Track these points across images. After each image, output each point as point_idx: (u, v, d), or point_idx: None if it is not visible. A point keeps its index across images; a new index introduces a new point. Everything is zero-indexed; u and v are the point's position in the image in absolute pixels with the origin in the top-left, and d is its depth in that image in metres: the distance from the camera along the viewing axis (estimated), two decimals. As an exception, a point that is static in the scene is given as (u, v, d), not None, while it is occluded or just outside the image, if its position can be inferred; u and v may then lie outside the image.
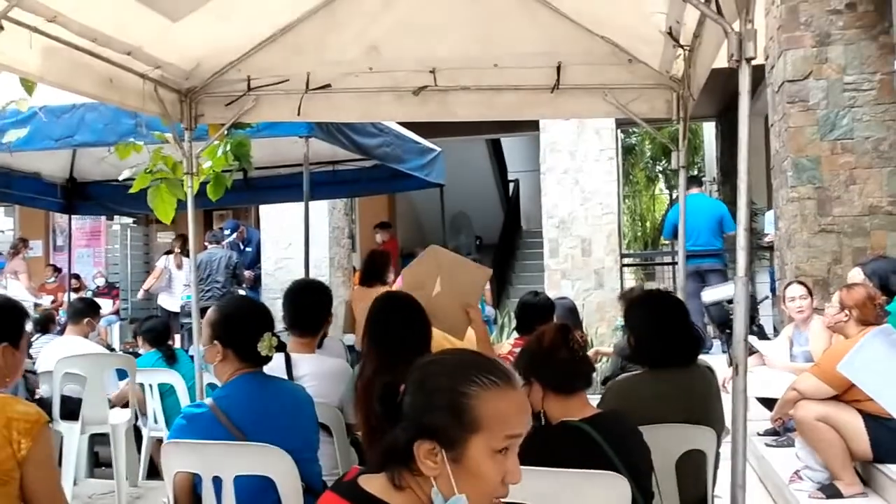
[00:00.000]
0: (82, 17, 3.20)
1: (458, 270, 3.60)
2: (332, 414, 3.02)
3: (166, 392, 5.40)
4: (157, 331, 5.85)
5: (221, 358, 2.42)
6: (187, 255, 10.73)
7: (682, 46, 3.54)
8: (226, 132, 4.37)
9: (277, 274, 10.66)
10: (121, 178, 4.59)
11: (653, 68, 3.94)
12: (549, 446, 2.00)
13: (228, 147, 4.59)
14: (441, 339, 3.40)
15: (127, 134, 4.96)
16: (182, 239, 10.76)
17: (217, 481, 2.30)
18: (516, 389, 1.36)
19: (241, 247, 11.10)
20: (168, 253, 10.96)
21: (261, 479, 2.31)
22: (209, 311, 2.51)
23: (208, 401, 2.41)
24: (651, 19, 3.50)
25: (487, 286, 9.97)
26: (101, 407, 4.96)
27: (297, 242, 9.50)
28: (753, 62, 2.21)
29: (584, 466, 1.95)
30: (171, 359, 5.64)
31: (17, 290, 10.08)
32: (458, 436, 1.29)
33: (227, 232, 10.87)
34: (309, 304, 3.35)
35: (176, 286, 10.49)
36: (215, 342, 2.42)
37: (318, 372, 3.10)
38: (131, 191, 4.55)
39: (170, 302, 10.46)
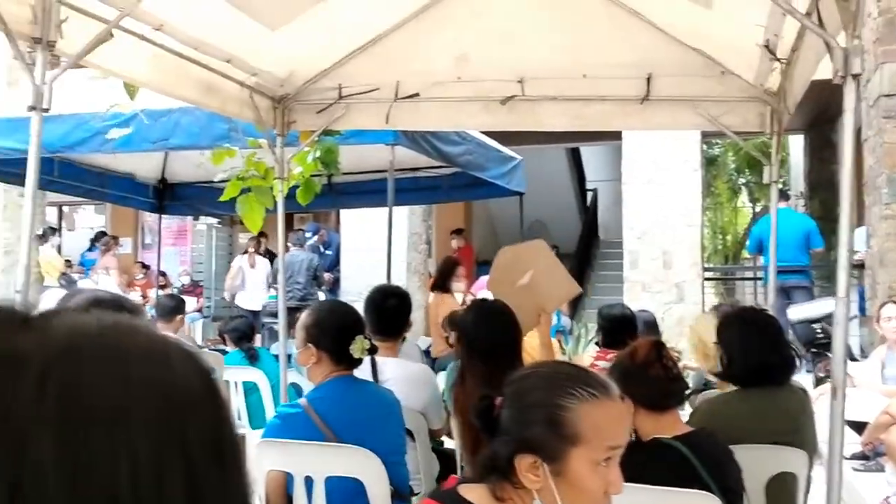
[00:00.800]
0: (186, 25, 3.33)
1: (552, 274, 3.60)
2: (415, 419, 3.05)
3: (249, 390, 5.53)
4: (241, 330, 6.00)
5: (316, 361, 2.48)
6: (261, 255, 10.98)
7: (778, 60, 3.47)
8: (316, 139, 4.46)
9: (356, 277, 10.79)
10: (216, 180, 4.74)
11: (747, 81, 3.87)
12: (642, 463, 1.99)
13: (318, 153, 4.69)
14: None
15: (220, 138, 5.11)
16: (257, 239, 10.97)
17: (309, 481, 2.36)
18: (615, 400, 1.36)
19: (322, 249, 11.30)
20: (244, 253, 11.21)
21: (351, 480, 2.35)
22: (303, 315, 2.57)
23: (303, 402, 2.47)
24: (747, 31, 3.44)
25: (565, 296, 9.91)
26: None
27: (376, 247, 9.61)
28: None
29: (676, 485, 1.93)
30: (253, 358, 5.77)
31: (108, 285, 10.46)
32: (560, 449, 1.30)
33: (308, 234, 11.07)
34: (392, 308, 3.40)
35: (249, 285, 10.69)
36: (309, 345, 2.48)
37: (403, 376, 3.13)
38: (222, 198, 4.68)
39: (246, 300, 10.67)
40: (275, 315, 9.29)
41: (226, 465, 0.53)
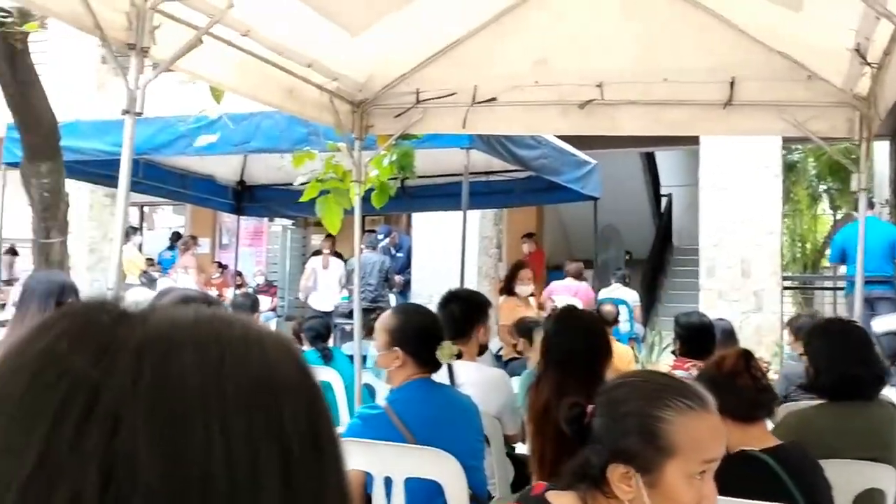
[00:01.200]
0: (271, 31, 3.40)
1: None
2: (490, 423, 3.05)
3: (323, 389, 5.59)
4: (316, 330, 6.08)
5: (399, 364, 2.50)
6: (335, 256, 11.11)
7: (869, 64, 3.37)
8: (393, 142, 4.50)
9: (426, 280, 10.85)
10: (296, 183, 4.82)
11: (834, 86, 3.76)
12: (728, 476, 1.94)
13: (394, 157, 4.73)
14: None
15: (299, 142, 5.20)
16: (331, 240, 11.10)
17: (388, 482, 2.38)
18: (711, 412, 1.34)
19: (393, 252, 11.38)
20: (316, 254, 11.34)
21: (430, 482, 2.37)
22: (386, 318, 2.59)
23: (383, 403, 2.50)
24: (836, 35, 3.35)
25: (638, 303, 9.77)
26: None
27: (447, 250, 9.65)
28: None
29: (764, 499, 1.88)
30: (327, 357, 5.85)
31: (187, 284, 10.74)
32: (654, 460, 1.28)
33: (380, 237, 11.18)
34: (457, 311, 3.41)
35: (321, 286, 10.81)
36: (395, 349, 2.50)
37: (479, 380, 3.13)
38: (302, 199, 4.76)
39: (318, 301, 10.80)
40: (346, 316, 9.41)
41: (322, 453, 0.53)
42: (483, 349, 3.49)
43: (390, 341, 2.52)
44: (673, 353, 4.56)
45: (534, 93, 4.19)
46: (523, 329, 4.42)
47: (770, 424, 2.74)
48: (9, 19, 3.77)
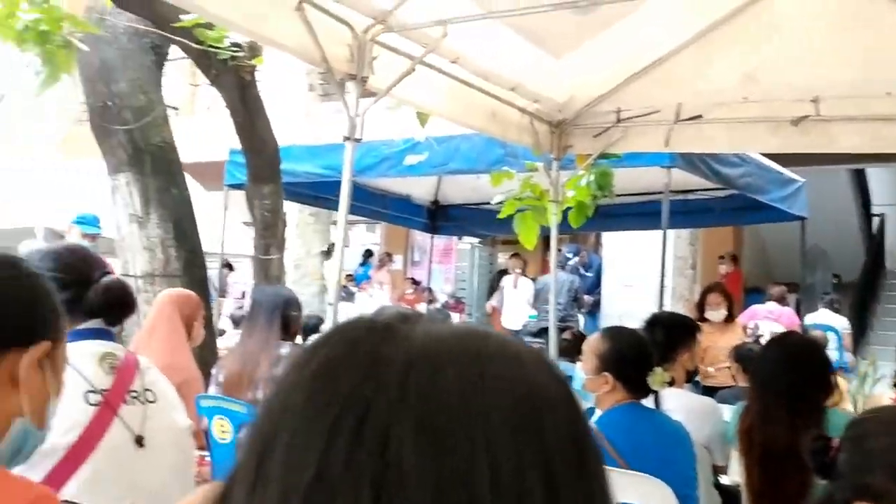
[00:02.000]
0: (478, 57, 3.49)
1: None
2: (699, 452, 2.95)
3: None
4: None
5: (609, 389, 2.49)
6: (527, 276, 11.16)
7: None
8: (592, 162, 4.48)
9: (617, 300, 10.66)
10: (493, 202, 4.91)
11: None
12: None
13: (593, 177, 4.71)
14: None
15: (496, 163, 5.29)
16: (521, 260, 11.13)
17: (598, 506, 2.36)
18: None
19: (582, 271, 11.28)
20: (504, 273, 11.41)
21: (642, 509, 2.33)
22: (596, 342, 2.58)
23: (592, 426, 2.49)
24: None
25: (847, 330, 9.12)
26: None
27: (639, 270, 9.46)
28: None
29: None
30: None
31: (381, 299, 11.18)
32: None
33: (569, 255, 11.11)
34: (666, 335, 3.33)
35: (510, 305, 10.86)
36: (605, 374, 2.49)
37: (686, 407, 3.05)
38: (500, 216, 4.83)
39: (505, 319, 10.85)
40: (533, 335, 9.43)
41: (585, 468, 0.53)
42: (692, 375, 3.39)
43: (600, 366, 2.50)
44: (894, 385, 4.23)
45: (742, 109, 4.05)
46: (740, 356, 4.25)
47: None
48: (240, 54, 4.11)
